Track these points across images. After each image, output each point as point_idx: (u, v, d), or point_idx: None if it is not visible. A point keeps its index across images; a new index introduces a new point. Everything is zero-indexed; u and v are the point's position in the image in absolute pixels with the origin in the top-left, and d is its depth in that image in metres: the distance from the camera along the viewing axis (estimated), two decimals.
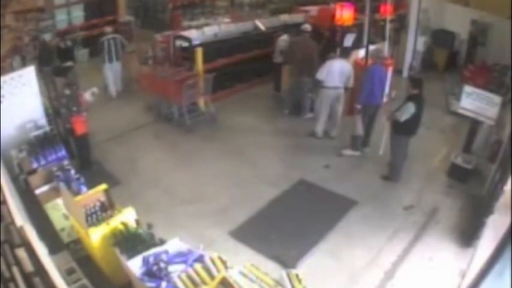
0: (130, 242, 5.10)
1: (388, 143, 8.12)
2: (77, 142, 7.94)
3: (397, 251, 6.43)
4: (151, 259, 4.78)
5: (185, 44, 10.90)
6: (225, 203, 7.45)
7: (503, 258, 4.07)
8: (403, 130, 7.63)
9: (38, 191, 6.46)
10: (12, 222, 4.70)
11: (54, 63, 11.20)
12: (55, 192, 6.26)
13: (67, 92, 7.84)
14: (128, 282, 5.32)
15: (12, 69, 7.99)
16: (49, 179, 6.58)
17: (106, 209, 5.69)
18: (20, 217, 4.85)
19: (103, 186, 5.82)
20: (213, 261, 4.71)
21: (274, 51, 11.25)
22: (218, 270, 4.58)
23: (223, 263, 4.68)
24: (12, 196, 5.41)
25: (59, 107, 8.07)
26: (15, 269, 3.97)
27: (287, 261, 6.08)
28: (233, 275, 4.41)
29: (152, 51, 11.45)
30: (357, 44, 10.31)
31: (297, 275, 4.56)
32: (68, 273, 5.33)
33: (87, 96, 8.09)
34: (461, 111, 7.97)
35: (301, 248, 6.46)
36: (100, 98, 10.35)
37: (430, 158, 8.83)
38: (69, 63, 10.65)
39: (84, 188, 6.28)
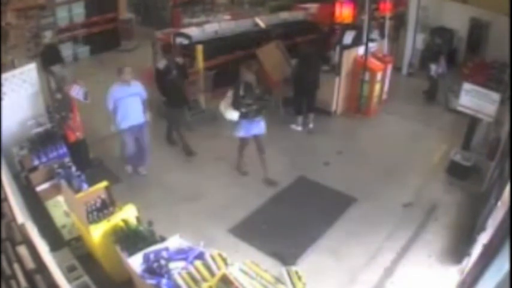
0: (131, 239, 5.13)
1: None
2: (71, 147, 7.67)
3: (396, 248, 6.47)
4: (151, 256, 4.81)
5: (185, 41, 10.89)
6: (225, 200, 7.49)
7: (501, 254, 4.10)
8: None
9: (39, 188, 6.46)
10: (14, 219, 4.73)
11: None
12: (56, 190, 6.27)
13: (58, 96, 7.78)
14: (128, 279, 5.35)
15: (13, 66, 7.97)
16: (50, 176, 6.57)
17: (107, 206, 5.72)
18: (21, 214, 4.89)
19: (104, 183, 5.85)
20: (213, 258, 4.73)
21: None
22: (218, 267, 4.61)
23: (224, 260, 4.71)
24: (13, 193, 5.45)
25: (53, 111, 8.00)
26: (16, 266, 4.00)
27: (287, 258, 6.11)
28: (233, 272, 4.44)
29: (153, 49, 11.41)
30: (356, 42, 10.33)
31: (296, 272, 4.58)
32: (69, 270, 5.36)
33: (79, 95, 7.65)
34: (460, 108, 7.97)
35: (301, 245, 6.51)
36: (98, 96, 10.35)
37: (429, 155, 8.85)
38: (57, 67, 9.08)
39: (85, 185, 6.30)
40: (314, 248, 6.50)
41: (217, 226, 6.85)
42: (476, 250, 5.17)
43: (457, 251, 6.32)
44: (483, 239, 5.08)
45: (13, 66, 7.99)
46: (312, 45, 10.43)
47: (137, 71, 10.80)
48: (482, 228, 5.31)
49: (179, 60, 9.12)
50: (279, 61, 10.27)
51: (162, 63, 8.78)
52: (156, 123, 9.18)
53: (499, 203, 5.10)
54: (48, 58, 9.97)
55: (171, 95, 8.70)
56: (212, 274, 4.56)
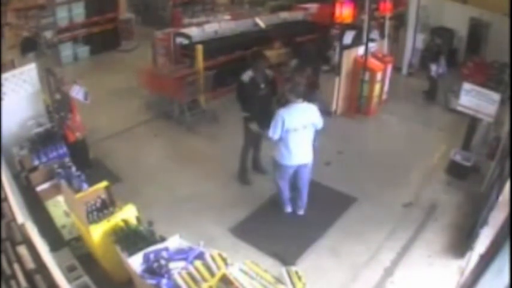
0: (131, 239, 5.13)
1: None
2: (71, 147, 7.62)
3: (396, 248, 6.47)
4: (151, 256, 4.80)
5: (185, 41, 10.90)
6: (226, 200, 7.49)
7: (501, 255, 4.10)
8: None
9: (39, 188, 6.46)
10: (14, 219, 4.72)
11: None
12: (56, 190, 6.26)
13: (58, 96, 7.79)
14: (128, 279, 5.35)
15: (13, 66, 7.98)
16: (50, 176, 6.58)
17: (107, 206, 5.70)
18: (21, 214, 4.88)
19: (104, 183, 5.82)
20: (213, 258, 4.73)
21: None
22: (218, 267, 4.61)
23: (224, 260, 4.70)
24: (13, 193, 5.43)
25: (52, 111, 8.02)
26: (16, 266, 4.00)
27: (287, 258, 6.11)
28: (233, 272, 4.44)
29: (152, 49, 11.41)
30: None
31: (296, 272, 4.58)
32: (69, 270, 5.35)
33: (79, 95, 7.67)
34: (460, 108, 7.95)
35: (301, 245, 6.50)
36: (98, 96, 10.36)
37: (429, 156, 8.83)
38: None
39: (85, 185, 6.28)
40: (314, 248, 6.49)
41: (217, 226, 6.85)
42: (479, 245, 5.15)
43: (457, 251, 6.33)
44: (486, 232, 5.07)
45: (13, 66, 8.00)
46: (312, 45, 10.44)
47: (136, 71, 10.93)
48: (485, 222, 5.29)
49: (269, 72, 7.64)
50: None
51: (247, 75, 7.27)
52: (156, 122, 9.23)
53: (500, 198, 5.09)
54: (27, 47, 12.05)
55: (256, 114, 7.15)
56: (212, 274, 4.56)
